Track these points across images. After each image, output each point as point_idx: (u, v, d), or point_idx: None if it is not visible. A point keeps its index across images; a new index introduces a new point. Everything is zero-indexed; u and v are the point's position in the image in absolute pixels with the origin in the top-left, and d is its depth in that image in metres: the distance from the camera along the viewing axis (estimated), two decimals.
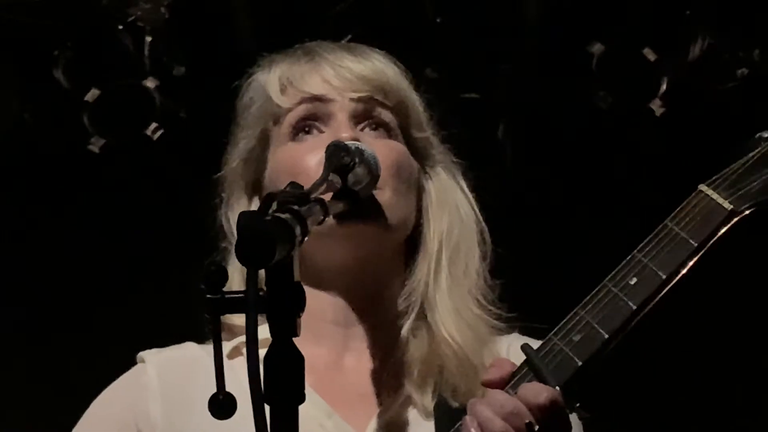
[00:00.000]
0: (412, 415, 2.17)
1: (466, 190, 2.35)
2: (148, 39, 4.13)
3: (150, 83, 4.16)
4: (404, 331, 2.22)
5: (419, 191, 2.31)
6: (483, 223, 2.32)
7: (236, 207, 2.31)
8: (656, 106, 4.12)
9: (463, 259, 2.26)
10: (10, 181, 4.19)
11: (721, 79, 4.09)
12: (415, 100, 2.33)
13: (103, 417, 2.26)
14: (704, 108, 4.09)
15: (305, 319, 2.19)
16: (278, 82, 2.28)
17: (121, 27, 4.11)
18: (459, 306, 2.21)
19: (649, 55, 4.10)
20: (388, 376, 2.21)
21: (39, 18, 4.09)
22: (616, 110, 4.14)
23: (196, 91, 4.17)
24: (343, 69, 2.26)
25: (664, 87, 4.11)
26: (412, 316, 2.23)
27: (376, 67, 2.28)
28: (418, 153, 2.32)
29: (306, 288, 2.19)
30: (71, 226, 4.18)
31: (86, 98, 4.15)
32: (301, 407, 2.10)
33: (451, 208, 2.31)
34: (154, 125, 4.17)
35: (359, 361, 2.23)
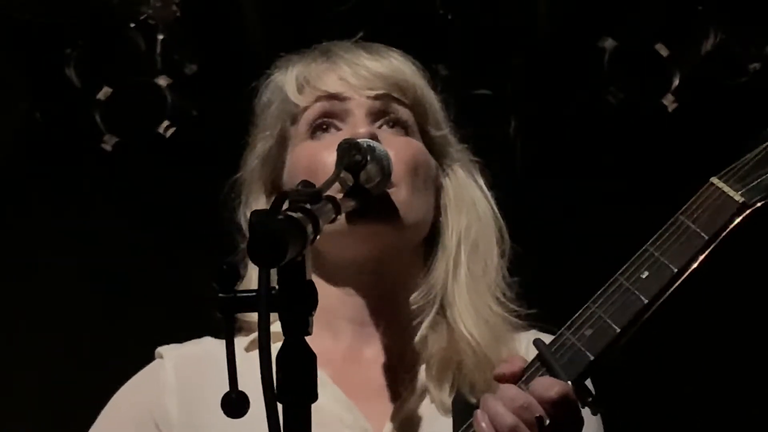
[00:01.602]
0: (430, 409, 2.17)
1: (484, 188, 2.35)
2: (160, 37, 4.14)
3: (162, 81, 4.16)
4: (423, 327, 2.22)
5: (437, 189, 2.31)
6: (501, 221, 2.32)
7: (255, 207, 2.31)
8: (668, 102, 4.11)
9: (482, 257, 2.27)
10: (22, 180, 4.20)
11: (733, 74, 4.07)
12: (432, 99, 2.34)
13: (122, 412, 2.27)
14: (717, 103, 4.08)
15: (322, 316, 2.20)
16: (295, 81, 2.29)
17: (132, 25, 4.12)
18: (477, 303, 2.21)
19: (661, 50, 4.08)
20: (406, 371, 2.21)
21: (50, 17, 4.09)
22: (628, 106, 4.13)
23: (208, 89, 4.18)
24: (359, 67, 2.26)
25: (676, 82, 4.10)
26: (432, 313, 2.23)
27: (393, 65, 2.29)
28: (436, 151, 2.32)
29: (323, 286, 2.23)
30: (84, 224, 4.18)
31: (98, 97, 4.15)
32: (321, 399, 2.12)
33: (468, 206, 2.31)
34: (166, 123, 4.18)
35: (377, 355, 2.23)
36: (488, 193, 2.35)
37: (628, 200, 4.09)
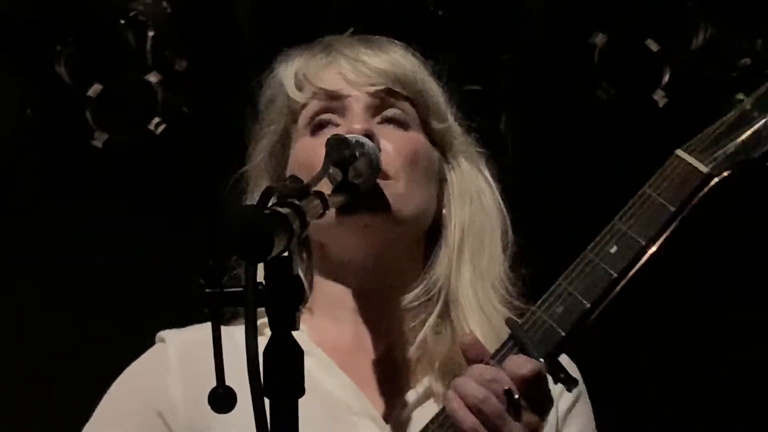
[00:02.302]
0: (434, 409, 2.17)
1: (490, 179, 2.33)
2: (150, 33, 4.14)
3: (152, 78, 4.16)
4: (427, 326, 2.21)
5: (440, 182, 2.30)
6: (506, 213, 2.31)
7: None
8: (659, 97, 4.12)
9: (486, 250, 2.25)
10: (13, 177, 4.20)
11: (723, 69, 4.08)
12: (434, 91, 2.31)
13: (125, 397, 2.24)
14: (707, 98, 4.09)
15: (327, 308, 2.24)
16: (294, 78, 2.28)
17: (123, 21, 4.12)
18: (482, 301, 2.20)
19: (652, 45, 4.09)
20: (410, 366, 2.21)
21: (41, 13, 4.09)
22: (618, 101, 4.13)
23: (199, 86, 4.18)
24: (358, 63, 2.25)
25: (666, 77, 4.11)
26: (436, 311, 2.22)
27: (392, 59, 2.27)
28: (439, 143, 2.31)
29: (326, 280, 2.25)
30: (74, 221, 4.18)
31: (89, 93, 4.15)
32: (330, 387, 2.14)
33: (473, 196, 2.29)
34: (156, 120, 4.18)
35: (381, 348, 2.23)
36: (494, 185, 2.33)
37: (618, 195, 4.09)
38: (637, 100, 4.13)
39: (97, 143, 4.18)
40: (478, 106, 4.13)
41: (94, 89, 4.15)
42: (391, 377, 2.21)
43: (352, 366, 2.20)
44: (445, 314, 2.22)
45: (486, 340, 2.16)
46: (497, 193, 2.32)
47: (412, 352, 2.22)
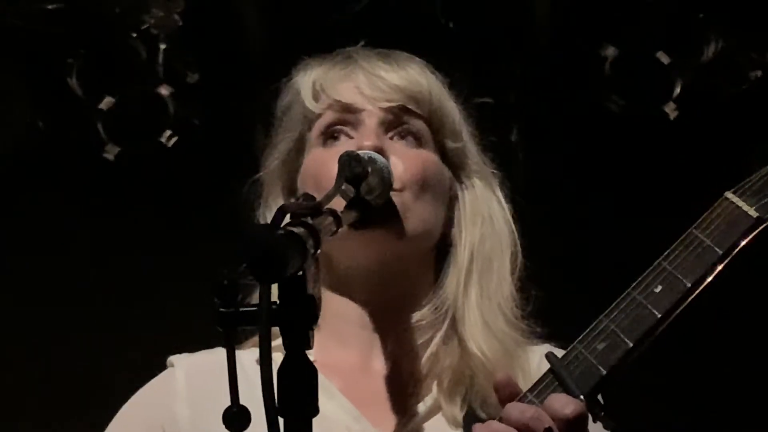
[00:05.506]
0: (440, 423, 2.17)
1: (503, 201, 2.33)
2: (162, 46, 4.14)
3: (164, 90, 4.17)
4: (434, 343, 2.22)
5: (451, 201, 2.30)
6: (516, 235, 2.30)
7: (273, 208, 2.30)
8: (670, 110, 4.11)
9: (495, 273, 2.25)
10: (25, 190, 4.20)
11: (734, 81, 4.08)
12: (450, 110, 2.32)
13: (132, 420, 2.27)
14: (718, 111, 4.09)
15: (333, 325, 2.23)
16: (311, 87, 2.29)
17: (134, 35, 4.13)
18: (489, 320, 2.20)
19: (663, 58, 4.09)
20: (417, 383, 2.21)
21: (52, 26, 4.10)
22: (629, 114, 4.13)
23: (210, 98, 4.19)
24: (375, 78, 2.25)
25: (677, 90, 4.11)
26: (443, 329, 2.22)
27: (410, 76, 2.27)
28: (453, 163, 2.31)
29: (334, 293, 2.25)
30: (86, 234, 4.18)
31: (100, 106, 4.16)
32: (329, 410, 2.13)
33: (484, 218, 2.29)
34: (168, 132, 4.18)
35: (387, 365, 2.23)
36: (506, 207, 2.33)
37: (630, 208, 4.09)
38: (648, 112, 4.12)
39: (109, 156, 4.19)
40: (490, 118, 4.15)
41: (106, 102, 4.16)
42: (397, 395, 2.20)
43: (355, 386, 2.20)
44: (453, 332, 2.22)
45: (495, 356, 2.16)
46: (509, 216, 2.32)
47: (420, 368, 2.22)
